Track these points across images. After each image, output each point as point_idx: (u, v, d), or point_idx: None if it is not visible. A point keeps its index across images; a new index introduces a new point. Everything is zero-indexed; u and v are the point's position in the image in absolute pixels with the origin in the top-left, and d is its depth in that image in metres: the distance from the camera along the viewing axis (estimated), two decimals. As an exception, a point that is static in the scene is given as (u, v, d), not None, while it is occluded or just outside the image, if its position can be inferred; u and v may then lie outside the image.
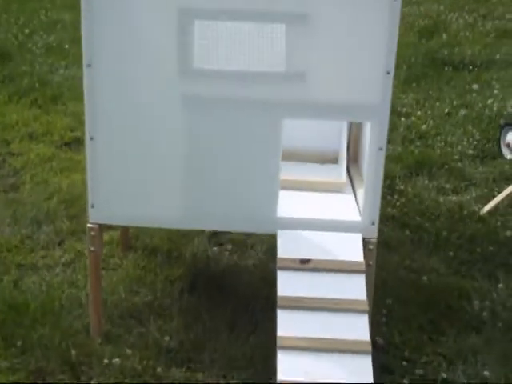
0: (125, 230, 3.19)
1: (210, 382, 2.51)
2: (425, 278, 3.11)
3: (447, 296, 2.99)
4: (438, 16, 7.01)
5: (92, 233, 2.58)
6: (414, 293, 2.99)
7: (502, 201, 3.72)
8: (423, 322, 2.84)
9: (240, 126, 2.46)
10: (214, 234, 3.31)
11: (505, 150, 4.35)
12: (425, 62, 5.81)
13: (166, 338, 2.67)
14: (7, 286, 2.95)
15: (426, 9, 7.21)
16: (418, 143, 4.51)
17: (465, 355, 2.66)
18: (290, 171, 2.82)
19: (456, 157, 4.29)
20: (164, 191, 2.53)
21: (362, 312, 2.35)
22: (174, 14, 2.34)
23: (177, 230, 3.14)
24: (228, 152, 2.49)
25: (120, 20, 2.36)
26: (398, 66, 2.72)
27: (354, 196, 2.84)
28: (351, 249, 2.52)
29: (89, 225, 2.58)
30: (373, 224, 2.55)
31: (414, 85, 5.35)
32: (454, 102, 5.08)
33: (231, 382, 2.51)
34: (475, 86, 5.37)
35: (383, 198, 3.00)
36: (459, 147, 4.42)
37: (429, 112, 4.95)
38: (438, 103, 5.06)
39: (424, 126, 4.72)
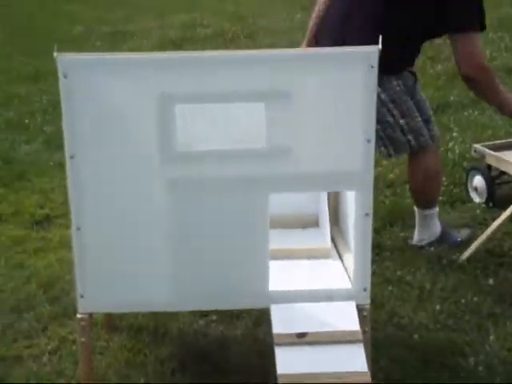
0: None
1: None
2: (416, 335, 3.11)
3: (441, 353, 2.99)
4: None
5: (82, 323, 2.53)
6: (407, 352, 2.98)
7: (479, 247, 3.76)
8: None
9: (226, 205, 2.46)
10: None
11: (473, 194, 4.42)
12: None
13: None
14: (-7, 384, 2.88)
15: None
16: (387, 193, 4.55)
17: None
18: (272, 239, 2.81)
19: (426, 204, 4.32)
20: (153, 275, 2.51)
21: (364, 384, 2.34)
22: (154, 100, 2.34)
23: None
24: (215, 231, 2.48)
25: (101, 109, 2.36)
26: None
27: (340, 261, 2.84)
28: (346, 318, 2.51)
29: (78, 315, 2.54)
30: (365, 290, 2.56)
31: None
32: (417, 148, 5.13)
33: None
34: (434, 130, 5.44)
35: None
36: (428, 194, 4.45)
37: (393, 160, 5.00)
38: (401, 151, 5.10)
39: (391, 175, 4.76)
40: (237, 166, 2.42)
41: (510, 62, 7.15)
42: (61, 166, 4.94)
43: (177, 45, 8.08)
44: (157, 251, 2.48)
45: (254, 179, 2.43)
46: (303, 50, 2.49)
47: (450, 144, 5.14)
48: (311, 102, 2.39)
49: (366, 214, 2.48)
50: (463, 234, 3.90)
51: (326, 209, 2.95)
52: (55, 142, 5.34)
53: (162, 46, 8.08)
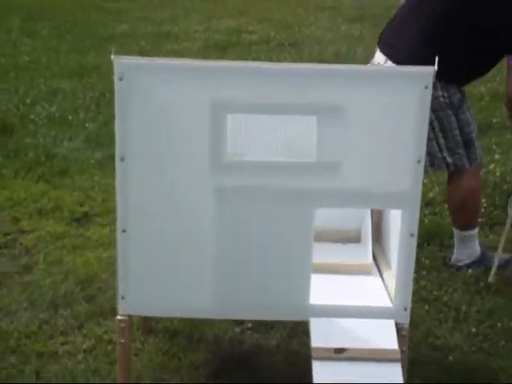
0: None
1: None
2: (450, 357, 3.09)
3: (475, 376, 2.97)
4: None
5: (122, 324, 2.55)
6: (442, 374, 2.96)
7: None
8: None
9: (271, 217, 2.46)
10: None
11: None
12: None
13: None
14: (29, 377, 2.90)
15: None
16: (426, 211, 4.53)
17: None
18: (313, 253, 2.81)
19: (465, 225, 4.30)
20: (196, 282, 2.52)
21: (401, 403, 2.33)
22: (206, 108, 2.35)
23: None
24: (259, 242, 2.49)
25: (153, 114, 2.37)
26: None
27: (380, 278, 2.83)
28: (385, 336, 2.51)
29: (118, 317, 2.56)
30: (405, 310, 2.55)
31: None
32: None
33: None
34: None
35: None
36: (467, 215, 4.43)
37: (433, 178, 4.98)
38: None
39: (431, 194, 4.74)
40: (285, 178, 2.42)
41: None
42: (101, 164, 5.00)
43: (221, 49, 8.11)
44: (201, 258, 2.48)
45: (301, 192, 2.43)
46: (358, 67, 2.48)
47: (491, 166, 5.10)
48: (363, 118, 2.39)
49: (411, 235, 2.48)
50: (502, 257, 3.87)
51: (369, 225, 2.94)
52: (96, 140, 5.40)
53: (206, 49, 8.11)
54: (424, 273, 3.77)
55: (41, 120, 5.78)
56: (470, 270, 3.79)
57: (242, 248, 2.49)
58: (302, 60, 7.64)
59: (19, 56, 7.75)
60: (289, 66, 2.46)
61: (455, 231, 3.87)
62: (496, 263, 3.70)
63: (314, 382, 2.38)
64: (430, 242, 4.12)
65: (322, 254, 2.91)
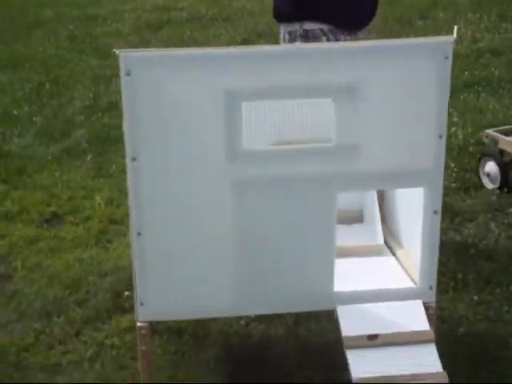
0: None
1: None
2: (461, 329, 3.07)
3: (487, 346, 2.96)
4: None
5: (143, 331, 2.42)
6: (455, 347, 2.93)
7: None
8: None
9: (292, 205, 2.37)
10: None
11: (485, 180, 4.38)
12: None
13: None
14: (40, 395, 2.76)
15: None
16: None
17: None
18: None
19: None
20: (215, 280, 2.41)
21: (444, 385, 2.28)
22: (220, 98, 2.23)
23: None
24: (281, 232, 2.39)
25: (165, 108, 2.24)
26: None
27: (394, 258, 2.78)
28: (415, 317, 2.45)
29: (139, 324, 2.43)
30: (431, 288, 2.50)
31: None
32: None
33: None
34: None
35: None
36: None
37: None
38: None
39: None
40: (304, 164, 2.33)
41: (493, 43, 7.15)
42: (59, 159, 4.79)
43: (154, 29, 7.88)
44: (221, 254, 2.38)
45: (322, 178, 2.34)
46: (372, 42, 2.38)
47: (453, 129, 5.10)
48: (381, 96, 2.31)
49: (435, 212, 2.42)
50: None
51: (375, 205, 2.87)
52: (47, 134, 5.17)
53: (139, 30, 7.88)
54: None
55: (-16, 117, 5.51)
56: (458, 237, 3.78)
57: (263, 240, 2.39)
58: (239, 34, 7.51)
59: None
60: (300, 47, 2.34)
61: None
62: None
63: (352, 372, 2.31)
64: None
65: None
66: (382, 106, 2.32)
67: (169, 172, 2.29)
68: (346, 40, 2.97)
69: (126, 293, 3.30)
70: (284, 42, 3.13)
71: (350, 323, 2.42)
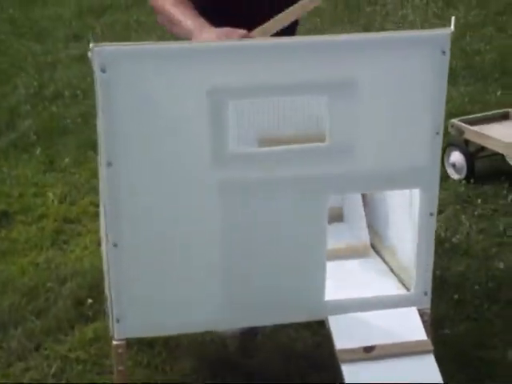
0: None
1: None
2: (446, 330, 2.96)
3: (471, 347, 2.86)
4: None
5: (119, 350, 2.22)
6: (440, 349, 2.80)
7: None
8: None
9: (282, 208, 2.19)
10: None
11: (451, 171, 4.28)
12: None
13: None
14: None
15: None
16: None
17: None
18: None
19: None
20: (200, 291, 2.22)
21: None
22: (204, 97, 2.04)
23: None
24: (270, 237, 2.22)
25: (145, 108, 2.03)
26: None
27: (380, 259, 2.64)
28: (411, 326, 2.31)
29: (114, 342, 2.22)
30: (425, 294, 2.36)
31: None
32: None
33: None
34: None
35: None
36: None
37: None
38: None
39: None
40: (294, 166, 2.15)
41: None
42: (5, 153, 4.51)
43: (97, 14, 7.58)
44: (206, 264, 2.19)
45: (313, 180, 2.17)
46: (366, 35, 2.22)
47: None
48: (376, 92, 2.15)
49: (431, 214, 2.28)
50: None
51: (360, 202, 2.71)
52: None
53: (81, 14, 7.56)
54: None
55: None
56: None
57: (248, 246, 2.21)
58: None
59: None
60: (291, 40, 2.16)
61: None
62: None
63: (349, 388, 2.16)
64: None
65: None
66: (377, 102, 2.16)
67: (148, 177, 2.09)
68: None
69: (90, 300, 3.09)
70: None
71: (344, 335, 2.27)
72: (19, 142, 4.62)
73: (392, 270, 2.55)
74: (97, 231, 3.62)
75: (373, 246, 2.70)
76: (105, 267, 2.33)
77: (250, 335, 2.86)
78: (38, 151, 4.50)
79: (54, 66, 5.84)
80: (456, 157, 4.26)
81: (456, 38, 6.89)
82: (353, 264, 2.59)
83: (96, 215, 3.81)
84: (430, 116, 2.18)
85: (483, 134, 4.18)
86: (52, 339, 2.91)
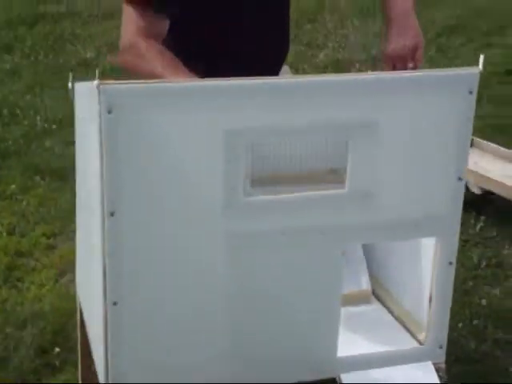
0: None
1: None
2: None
3: None
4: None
5: (116, 418, 1.99)
6: None
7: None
8: None
9: (296, 260, 2.01)
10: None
11: None
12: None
13: None
14: None
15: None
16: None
17: None
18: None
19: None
20: (205, 348, 2.01)
21: None
22: (220, 139, 1.84)
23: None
24: (281, 292, 2.03)
25: (152, 154, 1.82)
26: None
27: (382, 306, 2.48)
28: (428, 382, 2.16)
29: (112, 409, 1.99)
30: (441, 348, 2.20)
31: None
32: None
33: None
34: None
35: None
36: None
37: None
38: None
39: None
40: (313, 214, 1.97)
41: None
42: None
43: (28, 24, 7.24)
44: (212, 321, 1.98)
45: (330, 230, 1.99)
46: (388, 74, 2.06)
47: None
48: (399, 134, 1.99)
49: (450, 263, 2.13)
50: None
51: (359, 245, 2.55)
52: None
53: (11, 24, 7.21)
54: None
55: None
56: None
57: (261, 303, 2.01)
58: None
59: None
60: (311, 79, 1.97)
61: None
62: None
63: None
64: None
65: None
66: (399, 145, 2.00)
67: (155, 227, 1.87)
68: None
69: (57, 349, 2.83)
70: None
71: (359, 395, 2.09)
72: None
73: (398, 320, 2.40)
74: (52, 265, 3.38)
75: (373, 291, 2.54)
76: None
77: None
78: (-21, 176, 4.19)
79: (-9, 83, 5.54)
80: None
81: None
82: (355, 312, 2.42)
83: (48, 248, 3.56)
84: (453, 160, 2.04)
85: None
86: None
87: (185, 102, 1.81)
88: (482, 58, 1.97)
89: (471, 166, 4.02)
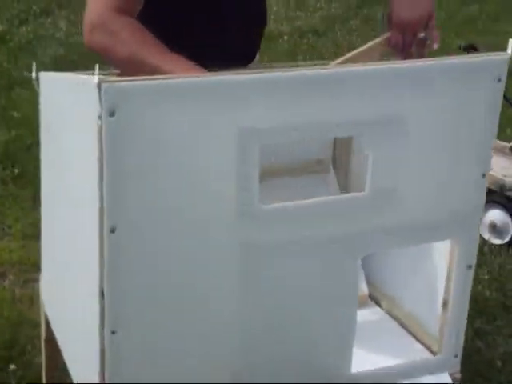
0: None
1: None
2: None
3: None
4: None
5: None
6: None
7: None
8: None
9: (311, 271, 1.81)
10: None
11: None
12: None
13: None
14: None
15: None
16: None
17: None
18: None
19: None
20: (214, 371, 1.79)
21: None
22: (233, 141, 1.61)
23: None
24: (295, 304, 1.82)
25: (159, 160, 1.57)
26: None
27: (381, 310, 2.32)
28: (447, 396, 2.00)
29: None
30: (456, 357, 2.05)
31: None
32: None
33: None
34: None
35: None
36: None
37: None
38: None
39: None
40: (332, 220, 1.77)
41: (313, 22, 6.94)
42: None
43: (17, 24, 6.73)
44: (220, 339, 1.77)
45: (349, 236, 1.80)
46: (412, 63, 1.85)
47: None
48: (422, 130, 1.80)
49: (469, 266, 1.97)
50: None
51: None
52: None
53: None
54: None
55: None
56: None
57: (275, 316, 1.81)
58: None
59: None
60: (329, 70, 1.75)
61: None
62: None
63: None
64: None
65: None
66: (424, 140, 1.81)
67: (161, 242, 1.63)
68: None
69: (12, 366, 2.55)
70: None
71: (376, 414, 1.92)
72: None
73: (399, 323, 2.24)
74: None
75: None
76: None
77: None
78: None
79: None
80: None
81: (323, 31, 6.78)
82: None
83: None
84: (478, 155, 1.87)
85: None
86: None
87: (201, 99, 1.56)
88: (511, 42, 1.79)
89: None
